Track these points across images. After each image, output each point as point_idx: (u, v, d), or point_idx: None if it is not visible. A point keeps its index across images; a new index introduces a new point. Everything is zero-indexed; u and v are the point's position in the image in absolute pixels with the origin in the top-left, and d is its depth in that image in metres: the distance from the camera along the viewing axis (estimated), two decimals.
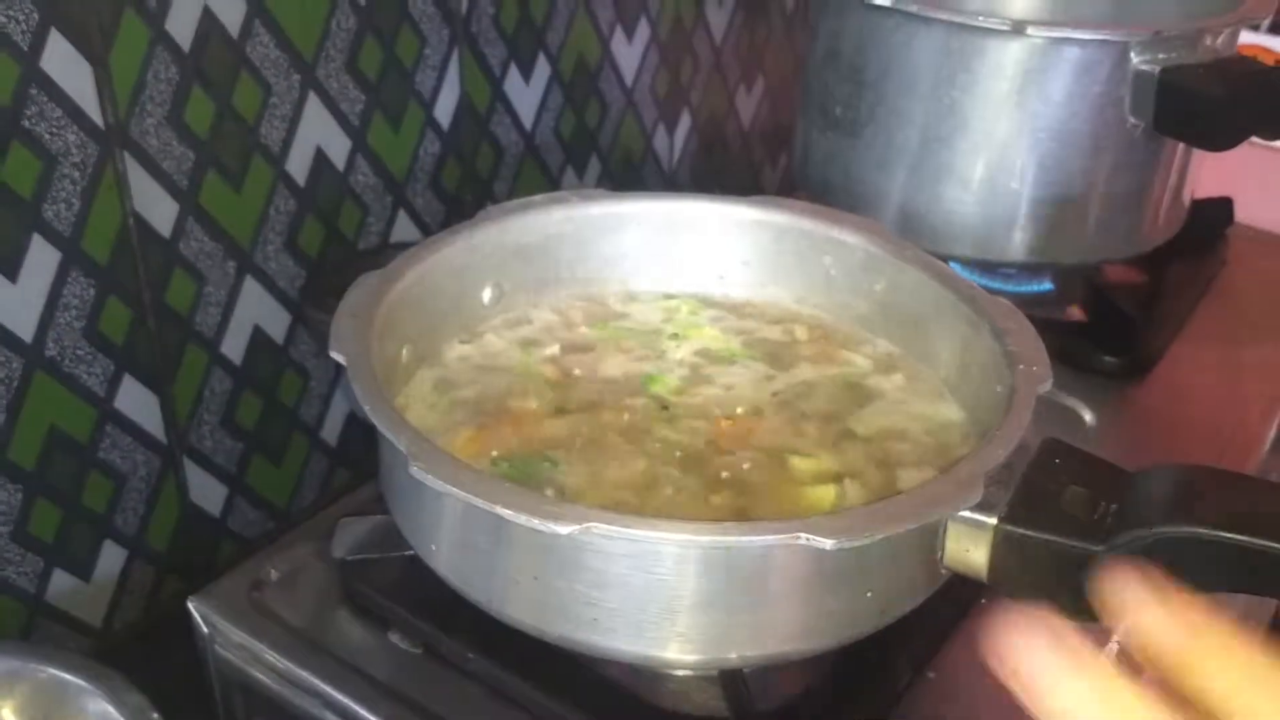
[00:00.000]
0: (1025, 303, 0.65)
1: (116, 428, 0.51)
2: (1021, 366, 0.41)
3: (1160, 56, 0.55)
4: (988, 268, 0.64)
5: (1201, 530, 0.35)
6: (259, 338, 0.57)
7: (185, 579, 0.56)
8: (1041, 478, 0.38)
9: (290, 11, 0.53)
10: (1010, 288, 0.66)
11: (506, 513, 0.34)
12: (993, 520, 0.36)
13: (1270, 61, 1.32)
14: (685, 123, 0.82)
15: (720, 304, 0.52)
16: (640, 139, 0.78)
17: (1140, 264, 0.67)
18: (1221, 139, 0.56)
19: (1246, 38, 1.32)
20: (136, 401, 0.52)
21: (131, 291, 0.50)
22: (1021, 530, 0.36)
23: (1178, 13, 0.66)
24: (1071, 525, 0.36)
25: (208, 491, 0.57)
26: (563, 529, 0.34)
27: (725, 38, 0.83)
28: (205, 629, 0.44)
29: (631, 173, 0.78)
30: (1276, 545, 0.34)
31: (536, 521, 0.34)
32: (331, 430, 0.63)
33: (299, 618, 0.44)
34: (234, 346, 0.56)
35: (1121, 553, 0.36)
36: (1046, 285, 0.65)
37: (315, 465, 0.62)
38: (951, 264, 0.63)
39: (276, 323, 0.58)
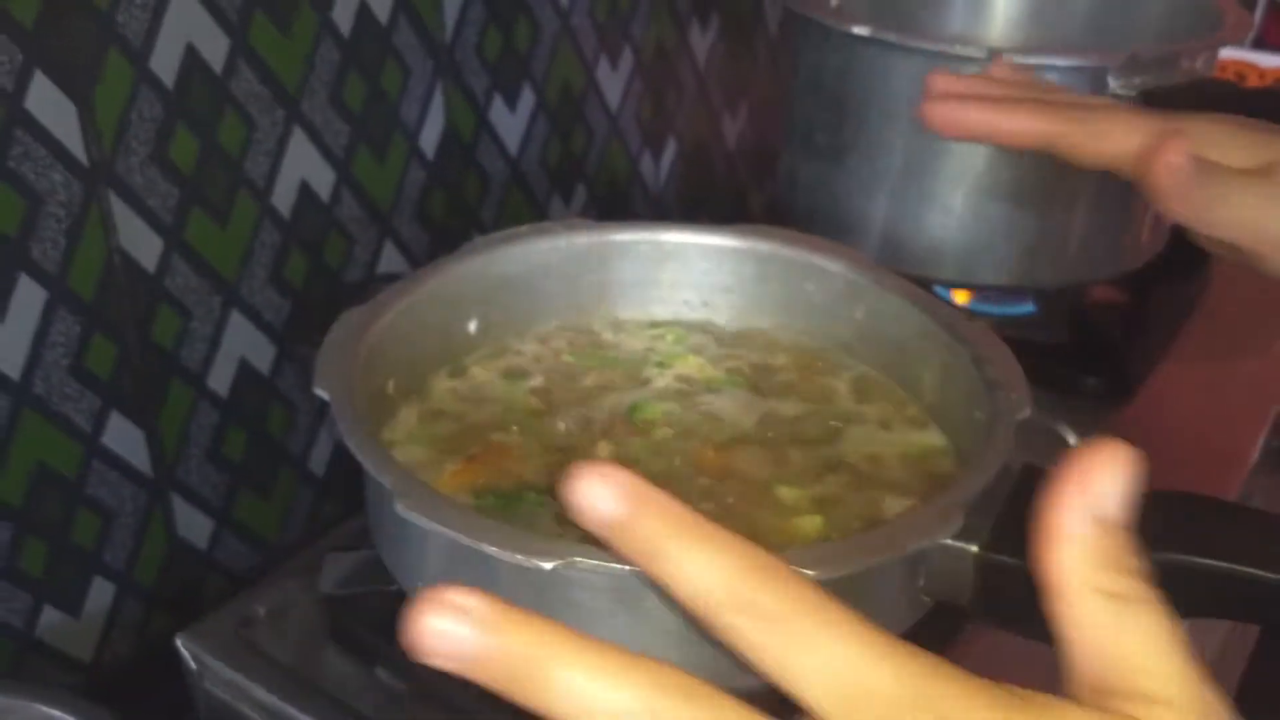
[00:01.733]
0: (1008, 325, 0.66)
1: (104, 464, 0.51)
2: (1000, 393, 0.41)
3: (1137, 80, 0.56)
4: (971, 291, 0.65)
5: (1182, 558, 0.36)
6: (245, 371, 0.57)
7: (172, 614, 0.56)
8: (1022, 505, 0.38)
9: (273, 46, 0.54)
10: (993, 310, 0.66)
11: (491, 549, 0.34)
12: (974, 548, 0.36)
13: (1255, 76, 1.33)
14: (671, 148, 0.83)
15: (704, 331, 0.52)
16: (626, 164, 0.79)
17: (1123, 284, 0.68)
18: None
19: (1231, 54, 1.33)
20: (123, 437, 0.52)
21: (118, 328, 0.51)
22: (1002, 558, 0.36)
23: (1159, 37, 0.67)
24: None
25: (194, 525, 0.57)
26: (546, 564, 0.34)
27: (708, 64, 0.83)
28: (194, 666, 0.44)
29: (618, 198, 0.79)
30: (1261, 572, 0.35)
31: (520, 558, 0.34)
32: (319, 462, 0.63)
33: (287, 654, 0.44)
34: (220, 380, 0.56)
35: None
36: (1029, 307, 0.66)
37: (302, 498, 0.63)
38: (935, 287, 0.63)
39: (262, 356, 0.58)
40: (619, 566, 0.34)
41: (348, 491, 0.65)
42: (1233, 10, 0.63)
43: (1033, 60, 0.57)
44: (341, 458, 0.64)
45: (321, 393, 0.40)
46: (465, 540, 0.34)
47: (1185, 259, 0.71)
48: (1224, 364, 0.65)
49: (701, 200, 0.87)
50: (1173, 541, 0.36)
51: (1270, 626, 0.47)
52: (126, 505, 0.53)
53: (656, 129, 0.81)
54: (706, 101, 0.85)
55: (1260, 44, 1.35)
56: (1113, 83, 0.56)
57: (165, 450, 0.54)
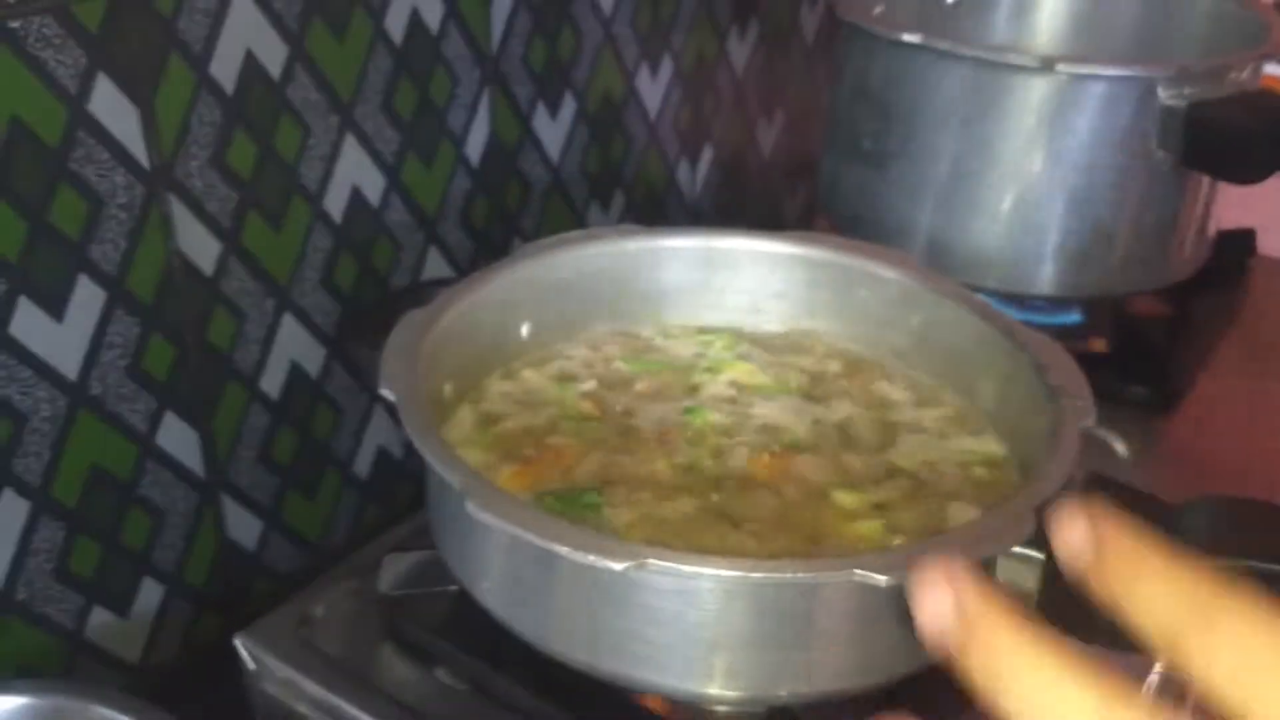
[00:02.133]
0: (1053, 334, 0.65)
1: (157, 464, 0.52)
2: (1064, 400, 0.41)
3: (1186, 91, 0.56)
4: (1016, 300, 0.65)
5: (1246, 562, 0.36)
6: (295, 374, 0.58)
7: (221, 615, 0.56)
8: None
9: (329, 54, 0.54)
10: (1038, 319, 0.66)
11: (563, 549, 0.34)
12: (1043, 556, 0.36)
13: None
14: (707, 155, 0.83)
15: (755, 338, 0.52)
16: (663, 172, 0.79)
17: (1165, 296, 0.67)
18: (1250, 172, 0.57)
19: (1269, 69, 1.34)
20: (177, 438, 0.52)
21: (174, 330, 0.51)
22: None
23: (1201, 48, 0.67)
24: None
25: (244, 527, 0.57)
26: (618, 565, 0.34)
27: (747, 72, 0.84)
28: (252, 665, 0.44)
29: (655, 205, 0.79)
30: None
31: (592, 558, 0.34)
32: (363, 465, 0.63)
33: (345, 653, 0.44)
34: (272, 382, 0.56)
35: None
36: (1075, 317, 0.66)
37: (347, 500, 0.63)
38: (985, 295, 0.63)
39: (312, 359, 0.58)
40: (689, 568, 0.35)
41: (390, 495, 0.65)
42: (1277, 23, 0.63)
43: (1083, 70, 0.57)
44: (385, 461, 0.64)
45: (388, 394, 0.40)
46: (537, 540, 0.35)
47: (1226, 272, 0.71)
48: (1266, 375, 0.64)
49: (737, 208, 0.87)
50: (1234, 545, 0.36)
51: None
52: (178, 506, 0.53)
53: (694, 137, 0.81)
54: (743, 109, 0.85)
55: None
56: (1162, 93, 0.56)
57: (218, 451, 0.54)
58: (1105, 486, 0.39)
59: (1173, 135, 0.57)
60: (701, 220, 0.84)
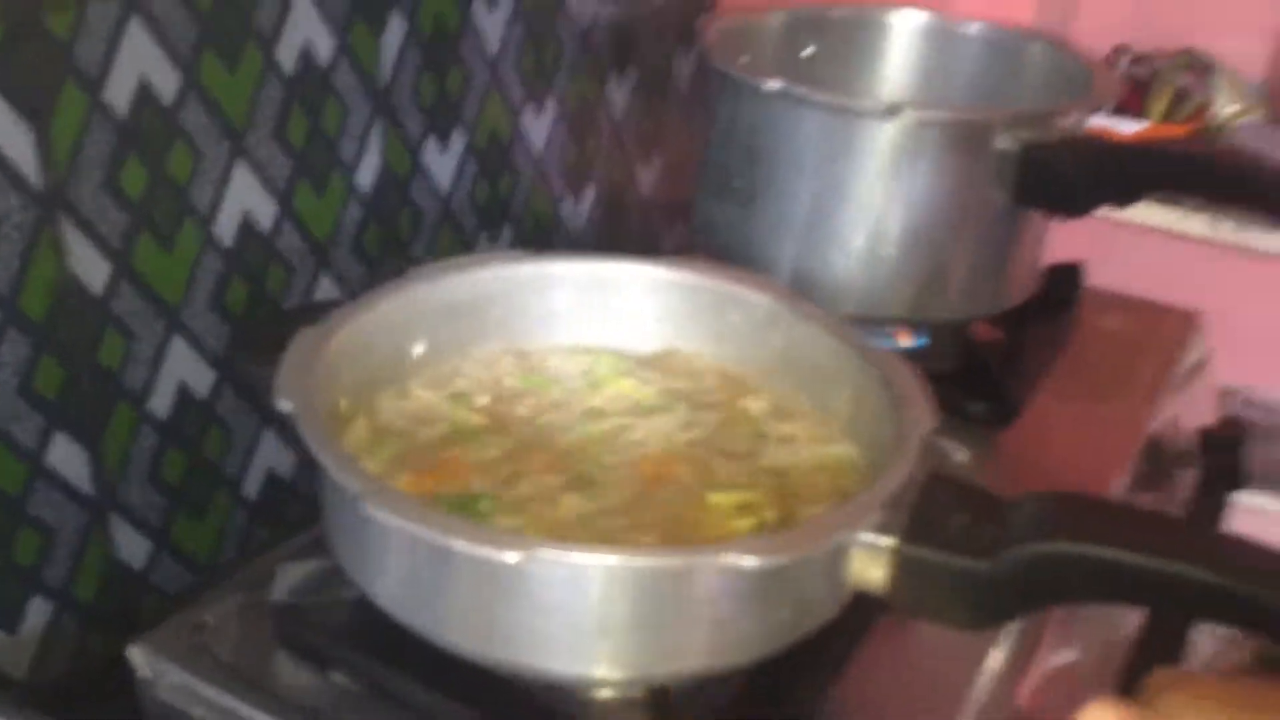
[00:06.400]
0: (902, 355, 0.71)
1: (47, 483, 0.52)
2: (907, 410, 0.46)
3: (1020, 136, 0.62)
4: (870, 324, 0.70)
5: (1070, 546, 0.41)
6: (184, 394, 0.59)
7: (111, 633, 0.56)
8: (929, 506, 0.43)
9: (221, 83, 0.56)
10: (890, 342, 0.72)
11: (459, 543, 0.37)
12: (890, 542, 0.41)
13: (1117, 136, 1.46)
14: (590, 191, 0.87)
15: (637, 356, 0.56)
16: (549, 205, 0.83)
17: (1003, 321, 0.74)
18: (1077, 209, 0.63)
19: (1098, 119, 1.46)
20: (67, 457, 0.53)
21: (65, 349, 0.52)
22: (915, 550, 0.41)
23: (1036, 96, 0.74)
24: (958, 545, 0.41)
25: (133, 546, 0.57)
26: (510, 557, 0.37)
27: (626, 113, 0.88)
28: (148, 674, 0.45)
29: (541, 238, 0.82)
30: (1133, 556, 0.40)
31: (486, 551, 0.37)
32: (252, 486, 0.64)
33: (240, 660, 0.46)
34: (161, 403, 0.57)
35: (1003, 567, 0.41)
36: (923, 340, 0.71)
37: (236, 521, 0.64)
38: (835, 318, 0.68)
39: (202, 380, 0.59)
40: (576, 557, 0.38)
41: (279, 516, 0.66)
42: (1102, 75, 0.70)
43: (926, 116, 0.63)
44: (273, 482, 0.65)
45: (286, 405, 0.42)
46: (434, 536, 0.37)
47: (1057, 301, 0.78)
48: (1092, 395, 0.71)
49: (618, 242, 0.91)
50: (1060, 532, 0.41)
51: (1155, 608, 0.52)
52: (68, 524, 0.53)
53: (577, 173, 0.85)
54: (623, 149, 0.89)
55: (1120, 111, 1.48)
56: (997, 137, 0.63)
57: (107, 471, 0.55)
58: (944, 482, 0.44)
59: (1007, 176, 0.63)
60: (584, 252, 0.88)
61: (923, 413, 0.46)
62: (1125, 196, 0.62)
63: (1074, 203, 0.63)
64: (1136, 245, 1.33)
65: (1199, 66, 1.55)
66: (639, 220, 0.94)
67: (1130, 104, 1.49)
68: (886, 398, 0.48)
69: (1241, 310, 1.58)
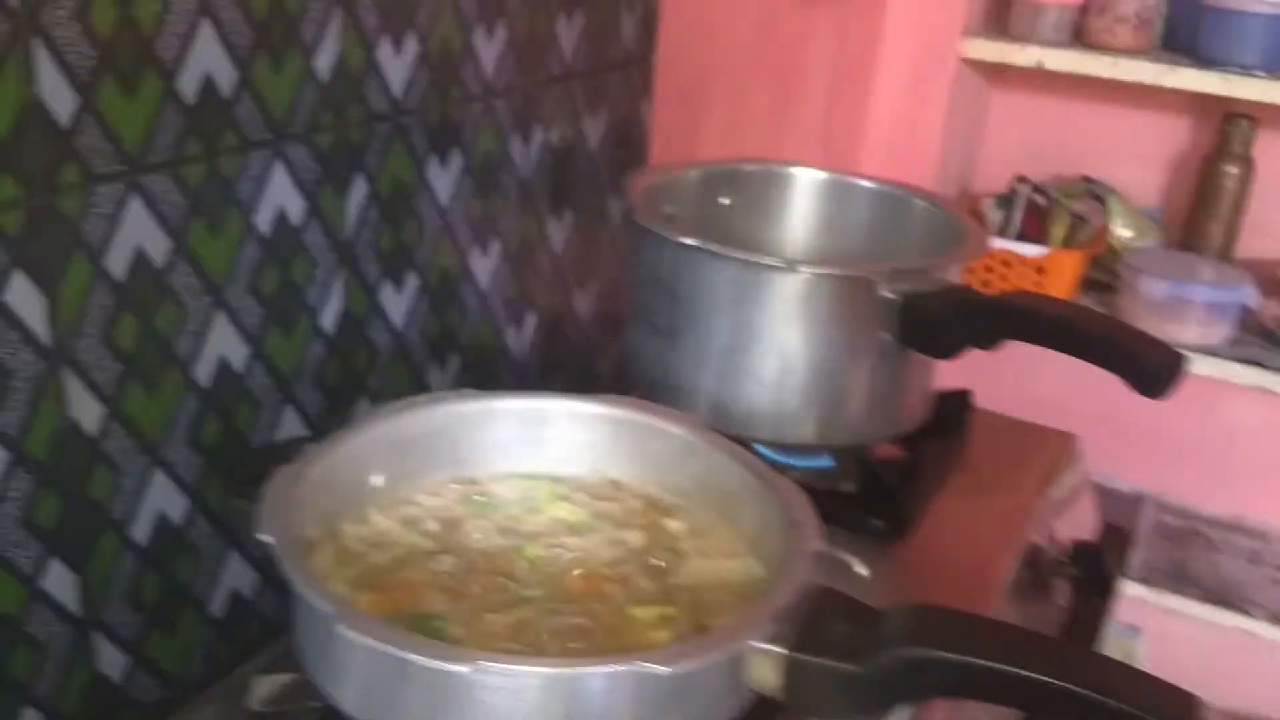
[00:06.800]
0: (811, 477, 0.80)
1: (41, 605, 0.58)
2: (799, 530, 0.54)
3: (900, 287, 0.72)
4: (783, 448, 0.79)
5: (928, 651, 0.49)
6: (162, 522, 0.65)
7: None
8: (815, 616, 0.50)
9: (206, 246, 0.64)
10: (801, 463, 0.80)
11: (417, 657, 0.44)
12: (780, 650, 0.49)
13: (1017, 261, 1.58)
14: (532, 320, 0.96)
15: (572, 481, 0.64)
16: (494, 336, 0.91)
17: (903, 443, 0.83)
18: (947, 351, 0.73)
19: (1001, 244, 1.59)
20: (59, 581, 0.59)
21: (62, 485, 0.58)
22: (801, 657, 0.49)
23: (919, 247, 0.84)
24: (837, 651, 0.49)
25: (113, 661, 0.63)
26: (460, 669, 0.44)
27: (565, 250, 0.97)
28: None
29: (486, 365, 0.91)
30: (985, 661, 0.48)
31: (439, 664, 0.44)
32: (218, 605, 0.70)
33: None
34: (141, 530, 0.64)
35: (874, 670, 0.49)
36: (828, 462, 0.80)
37: (204, 637, 0.69)
38: (756, 445, 0.77)
39: (177, 508, 0.66)
40: (514, 668, 0.45)
41: (241, 632, 0.72)
42: (974, 231, 0.81)
43: (820, 271, 0.73)
44: (238, 601, 0.72)
45: (267, 537, 0.49)
46: (396, 652, 0.44)
47: (950, 423, 0.87)
48: (981, 508, 0.80)
49: (560, 366, 0.99)
50: (925, 639, 0.49)
51: (1013, 706, 0.59)
52: (57, 642, 0.59)
53: (520, 305, 0.93)
54: (562, 282, 0.98)
55: (1022, 236, 1.61)
56: (881, 288, 0.72)
57: (92, 592, 0.61)
58: (829, 595, 0.52)
59: (890, 321, 0.73)
60: (528, 376, 0.96)
61: (812, 534, 0.54)
62: (987, 342, 0.72)
63: (944, 346, 0.73)
64: (1027, 368, 1.38)
65: (1095, 194, 1.70)
66: (579, 346, 1.03)
67: (1032, 230, 1.63)
68: (783, 519, 0.56)
69: (1144, 421, 1.71)
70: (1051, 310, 0.71)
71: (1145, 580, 1.63)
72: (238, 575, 0.71)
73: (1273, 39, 1.47)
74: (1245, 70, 1.46)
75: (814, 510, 0.56)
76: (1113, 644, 1.94)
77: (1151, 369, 0.66)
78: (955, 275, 0.78)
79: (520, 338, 0.95)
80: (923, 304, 0.72)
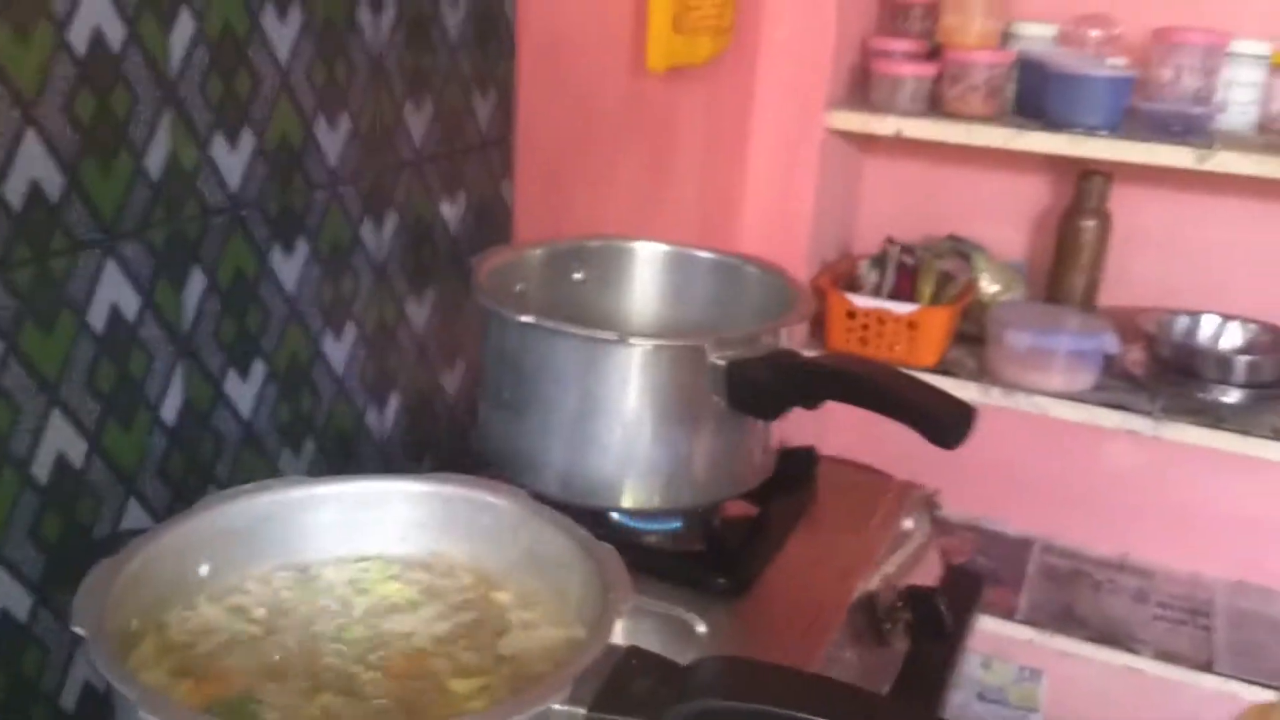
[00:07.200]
0: (663, 539, 0.82)
1: None
2: (611, 595, 0.57)
3: (727, 354, 0.76)
4: (633, 514, 0.82)
5: (722, 702, 0.51)
6: (5, 619, 0.65)
7: None
8: (621, 675, 0.53)
9: (38, 347, 0.65)
10: (652, 527, 0.83)
11: None
12: (581, 710, 0.51)
13: (891, 319, 1.64)
14: (395, 401, 0.97)
15: (403, 560, 0.66)
16: (353, 419, 0.93)
17: (752, 499, 0.86)
18: (773, 412, 0.77)
19: (871, 303, 1.65)
20: None
21: None
22: (601, 715, 0.51)
23: (757, 311, 0.89)
24: (639, 708, 0.51)
25: None
26: None
27: (427, 330, 1.00)
28: None
29: (346, 448, 0.92)
30: (769, 707, 0.51)
31: None
32: (69, 698, 0.70)
33: None
34: None
35: None
36: (676, 524, 0.83)
37: None
38: (611, 512, 0.80)
39: (20, 605, 0.66)
40: None
41: None
42: (804, 297, 0.85)
43: (653, 343, 0.76)
44: (89, 694, 0.71)
45: (79, 630, 0.50)
46: None
47: (796, 478, 0.91)
48: (822, 559, 0.83)
49: (428, 445, 1.01)
50: (723, 691, 0.52)
51: None
52: None
53: (381, 386, 0.95)
54: (427, 362, 1.01)
55: (896, 295, 1.68)
56: (710, 355, 0.76)
57: None
58: (637, 653, 0.54)
59: (720, 385, 0.76)
60: (392, 457, 0.97)
61: (624, 596, 0.57)
62: (810, 402, 0.76)
63: (768, 407, 0.76)
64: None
65: (961, 251, 1.78)
66: (445, 423, 1.04)
67: (905, 289, 1.69)
68: (600, 585, 0.58)
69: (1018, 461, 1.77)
70: (859, 371, 0.75)
71: (1032, 623, 1.68)
72: (87, 668, 0.71)
73: (1114, 100, 1.56)
74: (1090, 130, 1.55)
75: (627, 573, 0.58)
76: (1014, 689, 1.98)
77: (947, 422, 0.70)
78: (784, 341, 0.82)
79: (383, 419, 0.96)
80: (747, 368, 0.75)
